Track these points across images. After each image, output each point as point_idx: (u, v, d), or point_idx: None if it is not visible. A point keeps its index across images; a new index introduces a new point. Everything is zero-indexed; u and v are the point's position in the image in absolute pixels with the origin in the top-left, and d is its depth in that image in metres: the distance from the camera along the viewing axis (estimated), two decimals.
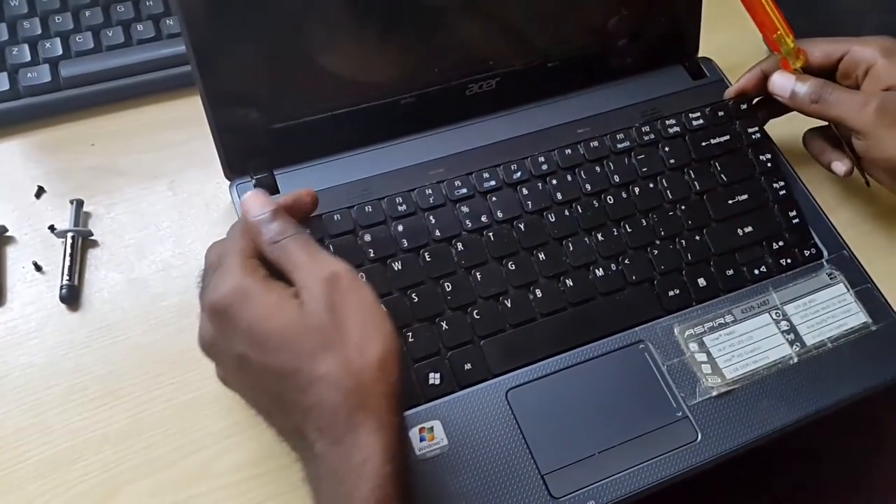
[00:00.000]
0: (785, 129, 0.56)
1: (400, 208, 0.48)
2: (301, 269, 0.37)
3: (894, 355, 0.48)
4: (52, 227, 0.51)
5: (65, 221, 0.51)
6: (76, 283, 0.49)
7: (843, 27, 0.67)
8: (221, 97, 0.46)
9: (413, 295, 0.46)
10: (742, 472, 0.51)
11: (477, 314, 0.46)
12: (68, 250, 0.50)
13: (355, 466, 0.33)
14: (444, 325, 0.45)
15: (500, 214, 0.49)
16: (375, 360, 0.35)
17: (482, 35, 0.52)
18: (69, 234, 0.50)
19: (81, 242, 0.51)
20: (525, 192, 0.50)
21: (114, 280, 0.50)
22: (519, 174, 0.50)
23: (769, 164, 0.53)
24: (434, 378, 0.44)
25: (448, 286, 0.46)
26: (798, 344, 0.47)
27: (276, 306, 0.36)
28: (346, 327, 0.35)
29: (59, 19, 0.57)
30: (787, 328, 0.48)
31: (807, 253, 0.51)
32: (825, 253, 0.51)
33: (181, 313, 0.48)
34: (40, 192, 0.53)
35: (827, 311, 0.49)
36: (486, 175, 0.50)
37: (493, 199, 0.49)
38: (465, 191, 0.49)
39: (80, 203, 0.52)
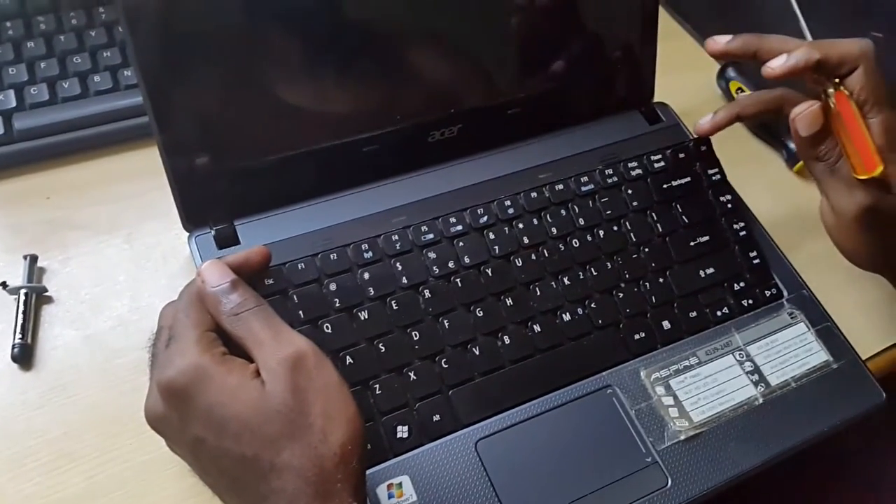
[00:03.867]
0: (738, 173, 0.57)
1: (366, 255, 0.48)
2: (263, 348, 0.36)
3: (856, 392, 0.49)
4: (3, 284, 0.49)
5: (18, 277, 0.49)
6: (29, 341, 0.47)
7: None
8: (179, 147, 0.46)
9: (380, 345, 0.45)
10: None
11: (445, 363, 0.45)
12: (21, 307, 0.48)
13: None
14: (412, 375, 0.45)
15: (467, 260, 0.49)
16: (338, 446, 0.34)
17: (443, 83, 0.52)
18: (22, 291, 0.49)
19: (35, 299, 0.49)
20: (492, 236, 0.50)
21: (69, 337, 0.48)
22: (486, 218, 0.50)
23: (729, 206, 0.54)
24: (402, 431, 0.43)
25: (416, 335, 0.46)
26: (762, 384, 0.48)
27: (236, 390, 0.35)
28: (310, 413, 0.35)
29: (12, 70, 0.56)
30: (751, 369, 0.48)
31: (767, 293, 0.52)
32: (785, 293, 0.52)
33: (138, 370, 0.47)
34: None
35: (789, 351, 0.49)
36: (452, 220, 0.50)
37: (461, 244, 0.49)
38: (431, 236, 0.49)
39: (33, 258, 0.50)
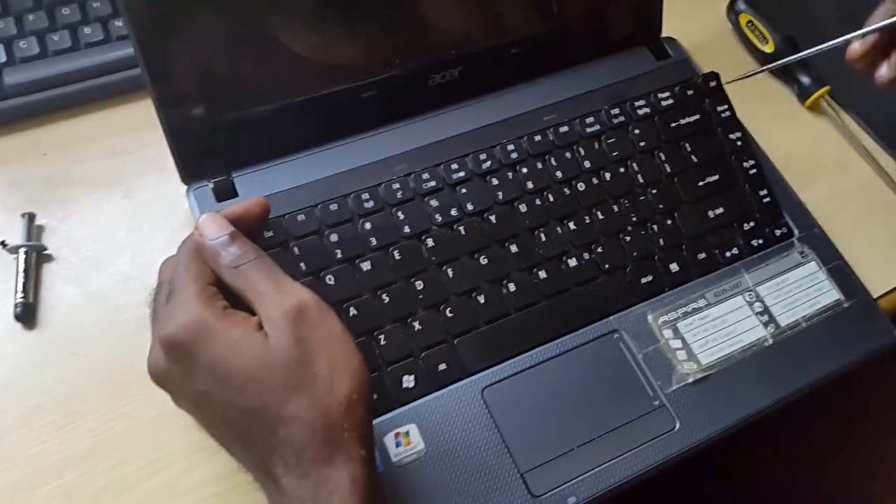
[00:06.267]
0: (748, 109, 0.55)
1: (367, 205, 0.47)
2: (265, 299, 0.36)
3: (867, 331, 0.48)
4: (3, 243, 0.49)
5: (17, 236, 0.49)
6: (31, 300, 0.47)
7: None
8: (173, 99, 0.45)
9: (384, 296, 0.45)
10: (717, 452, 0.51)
11: (450, 312, 0.45)
12: (21, 266, 0.48)
13: (323, 499, 0.33)
14: (416, 325, 0.44)
15: (470, 207, 0.48)
16: (344, 395, 0.34)
17: (442, 23, 0.50)
18: (22, 250, 0.48)
19: (35, 257, 0.48)
20: (495, 182, 0.49)
21: (71, 295, 0.48)
22: (489, 164, 0.49)
23: (739, 143, 0.53)
24: (408, 381, 0.43)
25: (420, 284, 0.45)
26: (772, 325, 0.47)
27: (239, 343, 0.34)
28: (314, 363, 0.34)
29: (0, 24, 0.55)
30: (760, 309, 0.47)
31: (778, 232, 0.51)
32: (796, 232, 0.51)
33: (142, 326, 0.46)
34: None
35: (800, 291, 0.48)
36: (454, 166, 0.49)
37: (463, 191, 0.48)
38: (433, 183, 0.48)
39: (31, 216, 0.50)
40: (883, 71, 0.48)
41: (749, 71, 0.53)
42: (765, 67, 0.56)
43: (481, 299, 0.46)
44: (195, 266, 0.37)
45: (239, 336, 0.35)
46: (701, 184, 0.51)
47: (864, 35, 0.48)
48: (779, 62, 0.56)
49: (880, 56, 0.49)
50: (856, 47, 0.48)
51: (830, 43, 0.50)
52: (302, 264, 0.44)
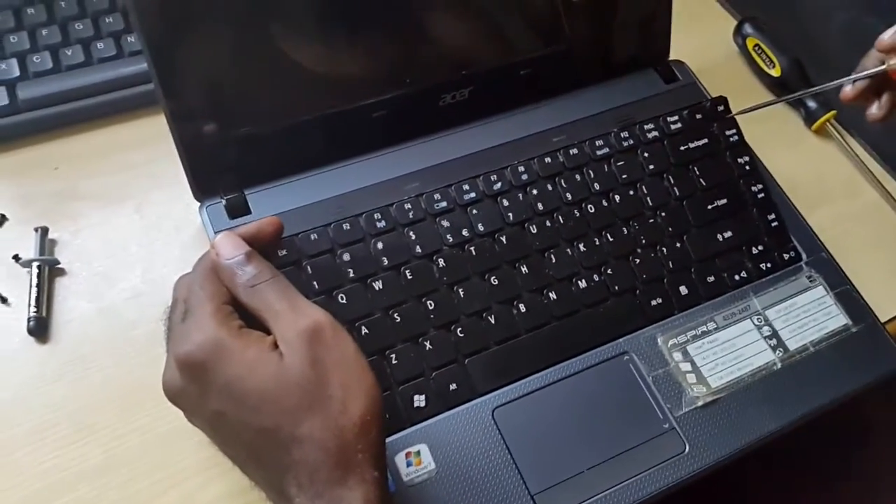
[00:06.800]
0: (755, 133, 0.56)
1: (379, 224, 0.47)
2: (280, 319, 0.36)
3: (875, 356, 0.48)
4: (16, 257, 0.49)
5: (29, 250, 0.49)
6: (44, 314, 0.47)
7: (810, 25, 0.68)
8: (187, 114, 0.45)
9: (395, 315, 0.45)
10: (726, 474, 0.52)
11: (461, 332, 0.45)
12: (34, 280, 0.48)
13: None
14: (427, 344, 0.44)
15: (481, 227, 0.48)
16: (358, 417, 0.34)
17: (454, 43, 0.51)
18: (35, 264, 0.48)
19: (48, 271, 0.49)
20: (506, 203, 0.49)
21: (83, 309, 0.48)
22: (499, 185, 0.49)
23: (747, 167, 0.53)
24: (419, 400, 0.43)
25: (431, 304, 0.45)
26: (781, 349, 0.47)
27: (254, 363, 0.34)
28: (329, 384, 0.34)
29: (14, 39, 0.55)
30: (769, 333, 0.48)
31: (786, 256, 0.51)
32: (804, 256, 0.51)
33: (155, 341, 0.46)
34: (2, 220, 0.51)
35: (808, 315, 0.49)
36: (465, 187, 0.49)
37: (474, 211, 0.48)
38: (445, 204, 0.48)
39: (44, 230, 0.50)
40: (873, 110, 0.51)
41: (758, 103, 0.54)
42: (771, 101, 0.57)
43: (492, 320, 0.46)
44: (211, 285, 0.38)
45: (254, 356, 0.35)
46: (710, 207, 0.51)
47: (854, 81, 0.51)
48: (786, 97, 0.59)
49: (872, 96, 0.51)
50: (848, 90, 0.51)
51: (829, 84, 0.53)
52: (315, 283, 0.44)
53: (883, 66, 0.49)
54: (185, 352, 0.35)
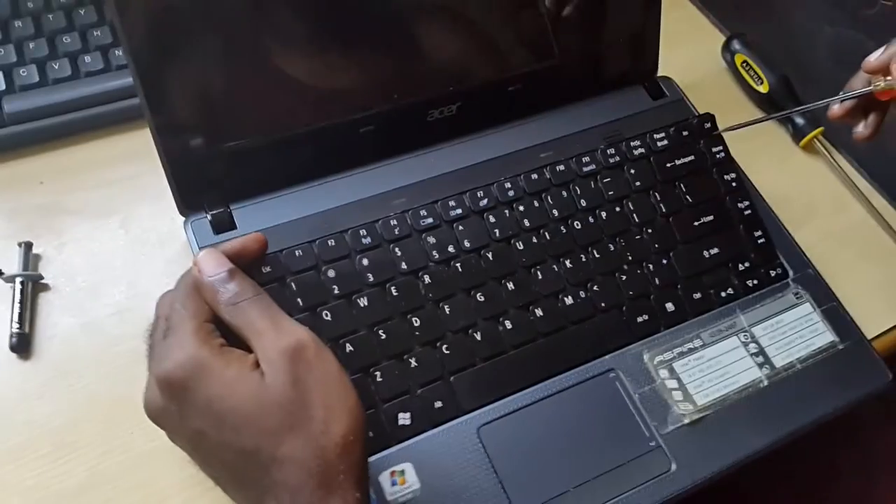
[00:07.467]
0: (742, 149, 0.56)
1: (364, 241, 0.47)
2: (262, 338, 0.36)
3: (862, 373, 0.48)
4: None
5: (13, 265, 0.49)
6: (27, 330, 0.47)
7: (797, 41, 0.68)
8: (172, 128, 0.45)
9: (380, 332, 0.45)
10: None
11: (446, 349, 0.45)
12: (17, 296, 0.47)
13: None
14: (413, 361, 0.44)
15: (467, 244, 0.48)
16: (341, 437, 0.34)
17: (442, 59, 0.51)
18: (18, 279, 0.48)
19: (31, 287, 0.48)
20: (492, 219, 0.49)
21: (67, 325, 0.48)
22: (486, 201, 0.49)
23: (734, 184, 0.53)
24: (404, 418, 0.43)
25: (416, 321, 0.45)
26: (767, 366, 0.47)
27: (235, 382, 0.34)
28: (311, 404, 0.34)
29: (0, 52, 0.55)
30: (755, 350, 0.48)
31: (773, 273, 0.51)
32: (791, 272, 0.51)
33: (138, 358, 0.45)
34: None
35: (794, 332, 0.49)
36: (451, 203, 0.49)
37: (460, 227, 0.48)
38: (431, 220, 0.48)
39: (28, 245, 0.50)
40: (860, 129, 0.52)
41: (745, 121, 0.54)
42: (758, 119, 0.57)
43: (478, 336, 0.46)
44: (193, 303, 0.37)
45: (235, 375, 0.35)
46: (696, 224, 0.51)
47: (841, 101, 0.51)
48: (774, 115, 0.59)
49: (859, 115, 0.52)
50: (835, 109, 0.52)
51: (819, 102, 0.53)
52: (299, 300, 0.44)
53: (870, 87, 0.49)
54: (166, 370, 0.35)
